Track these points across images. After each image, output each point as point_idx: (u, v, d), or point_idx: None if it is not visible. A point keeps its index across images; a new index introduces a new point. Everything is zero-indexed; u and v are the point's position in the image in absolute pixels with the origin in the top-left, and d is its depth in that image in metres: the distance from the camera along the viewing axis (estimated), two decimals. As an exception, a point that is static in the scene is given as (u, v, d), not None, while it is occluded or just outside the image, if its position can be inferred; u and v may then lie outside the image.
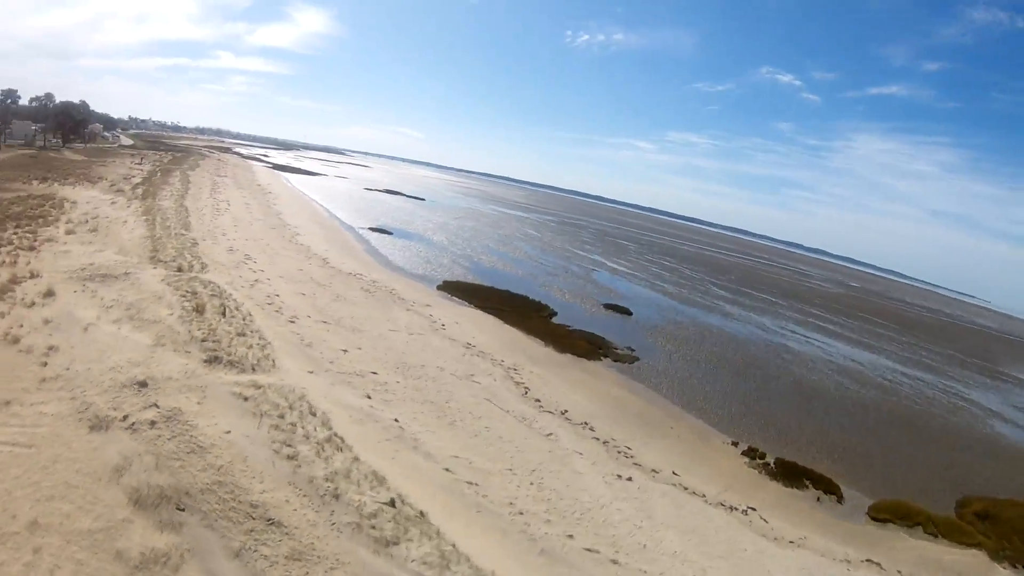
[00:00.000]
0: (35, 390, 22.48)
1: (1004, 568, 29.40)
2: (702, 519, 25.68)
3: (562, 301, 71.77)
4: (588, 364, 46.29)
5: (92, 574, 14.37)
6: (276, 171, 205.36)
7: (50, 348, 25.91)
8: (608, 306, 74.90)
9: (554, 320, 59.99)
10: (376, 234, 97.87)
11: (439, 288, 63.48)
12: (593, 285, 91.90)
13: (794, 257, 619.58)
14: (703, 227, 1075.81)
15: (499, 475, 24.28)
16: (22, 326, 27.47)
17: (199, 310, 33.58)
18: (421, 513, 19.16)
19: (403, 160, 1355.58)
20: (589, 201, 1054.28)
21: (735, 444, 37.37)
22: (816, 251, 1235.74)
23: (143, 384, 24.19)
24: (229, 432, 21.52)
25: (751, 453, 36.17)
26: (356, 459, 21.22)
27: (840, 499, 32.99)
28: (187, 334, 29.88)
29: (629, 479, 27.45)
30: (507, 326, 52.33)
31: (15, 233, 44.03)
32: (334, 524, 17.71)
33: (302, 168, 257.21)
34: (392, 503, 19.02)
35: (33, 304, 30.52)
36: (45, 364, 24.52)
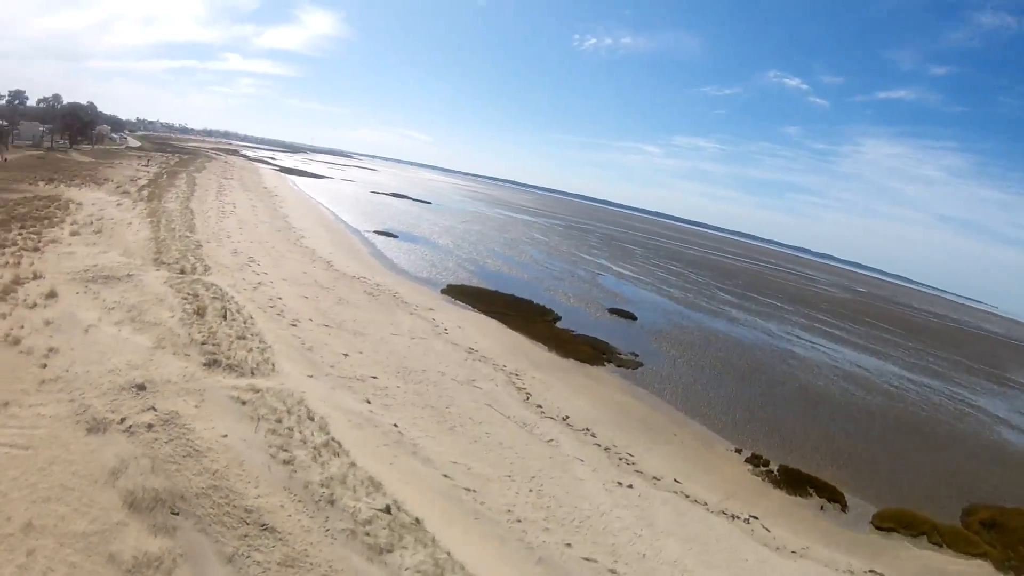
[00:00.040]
0: (34, 392, 22.48)
1: (1010, 579, 28.92)
2: (703, 528, 25.33)
3: (567, 305, 71.50)
4: (591, 369, 46.00)
5: (84, 578, 14.26)
6: (283, 174, 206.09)
7: (50, 350, 25.91)
8: (613, 311, 74.57)
9: (558, 325, 59.72)
10: (381, 237, 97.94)
11: (443, 292, 63.36)
12: (598, 289, 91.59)
13: (801, 262, 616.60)
14: (710, 231, 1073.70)
15: (498, 481, 24.02)
16: (23, 327, 27.50)
17: (200, 313, 33.54)
18: (417, 520, 18.93)
19: (410, 163, 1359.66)
20: (596, 205, 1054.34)
21: (739, 451, 36.99)
22: (823, 256, 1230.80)
23: (141, 387, 24.15)
24: (226, 436, 21.42)
25: (755, 460, 35.79)
26: (353, 464, 21.04)
27: (844, 507, 32.57)
28: (187, 337, 29.83)
29: (630, 486, 27.12)
30: (510, 331, 52.08)
31: (20, 234, 44.19)
32: (328, 530, 17.54)
33: (309, 171, 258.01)
34: (387, 509, 18.82)
35: (35, 305, 30.56)
36: (45, 366, 24.51)
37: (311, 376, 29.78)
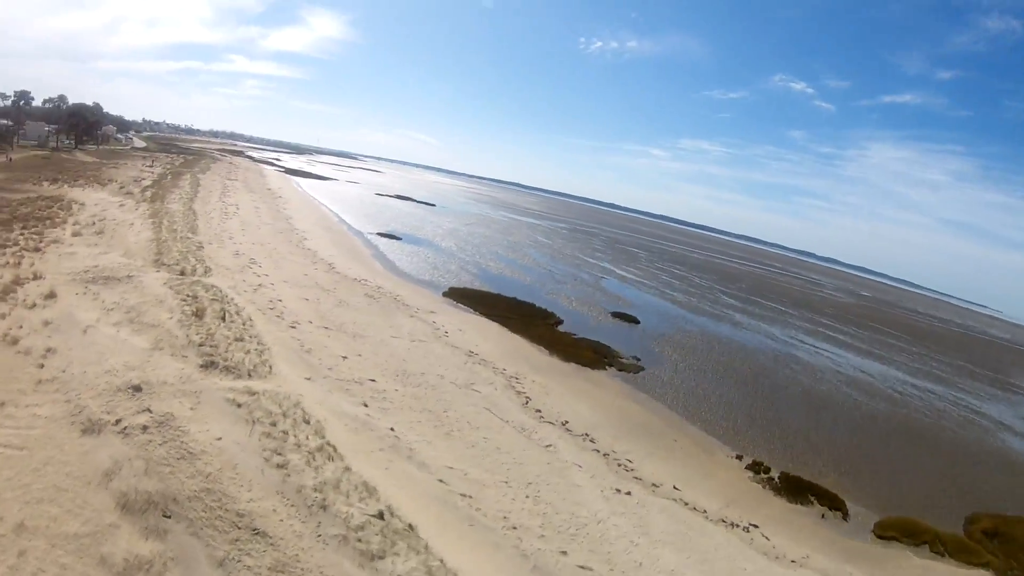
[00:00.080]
0: (31, 392, 22.51)
1: (1012, 590, 28.56)
2: (702, 536, 25.03)
3: (569, 309, 71.25)
4: (592, 373, 45.69)
5: (74, 579, 14.22)
6: (287, 175, 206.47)
7: (48, 350, 25.97)
8: (615, 314, 74.27)
9: (560, 328, 59.45)
10: (384, 239, 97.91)
11: (445, 295, 63.18)
12: (601, 293, 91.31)
13: (806, 266, 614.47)
14: (715, 235, 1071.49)
15: (494, 487, 23.79)
16: (22, 327, 27.59)
17: (199, 314, 33.48)
18: (410, 526, 18.75)
19: (415, 165, 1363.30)
20: (601, 208, 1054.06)
21: (739, 457, 36.65)
22: (828, 260, 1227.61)
23: (138, 388, 24.12)
24: (220, 439, 21.33)
25: (755, 467, 35.46)
26: (347, 469, 20.88)
27: (845, 515, 32.21)
28: (185, 338, 29.77)
29: (628, 493, 26.84)
30: (511, 334, 51.84)
31: (21, 234, 44.33)
32: (320, 536, 17.39)
33: (314, 172, 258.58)
34: (381, 515, 18.64)
35: (34, 306, 30.64)
36: (42, 366, 24.57)
37: (309, 379, 29.66)
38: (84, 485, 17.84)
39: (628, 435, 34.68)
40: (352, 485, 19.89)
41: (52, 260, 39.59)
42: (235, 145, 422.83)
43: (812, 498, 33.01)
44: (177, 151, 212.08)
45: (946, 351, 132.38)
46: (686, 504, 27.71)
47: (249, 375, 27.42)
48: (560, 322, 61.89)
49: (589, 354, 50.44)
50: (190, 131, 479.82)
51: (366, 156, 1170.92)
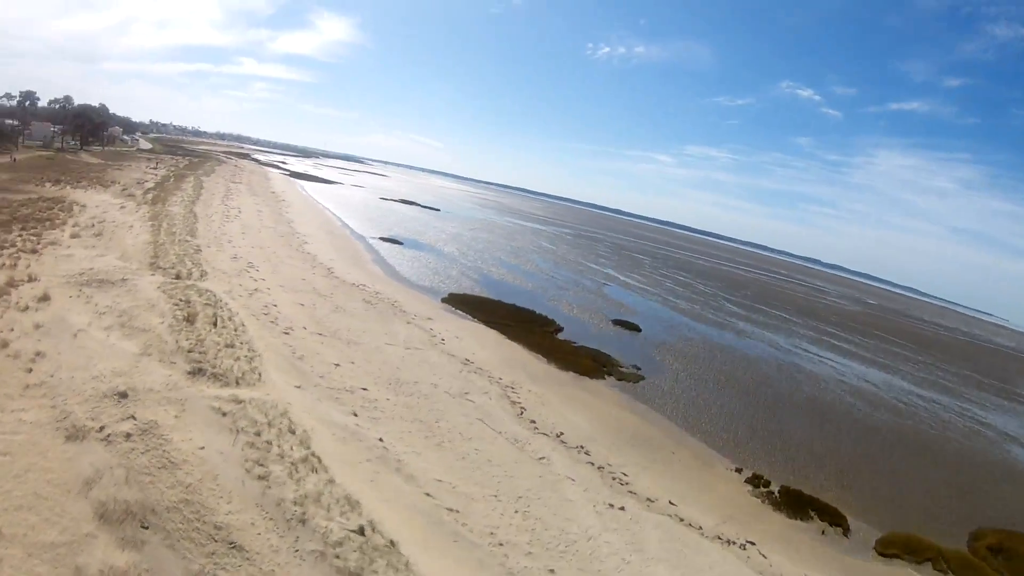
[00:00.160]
0: (17, 396, 22.27)
1: (1019, 612, 27.77)
2: (697, 554, 24.33)
3: (570, 316, 70.68)
4: (590, 383, 45.01)
5: (49, 589, 13.99)
6: (292, 179, 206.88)
7: (37, 354, 25.71)
8: (617, 322, 73.63)
9: (559, 336, 58.86)
10: (386, 244, 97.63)
11: (444, 301, 62.66)
12: (603, 300, 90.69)
13: (812, 273, 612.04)
14: (721, 242, 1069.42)
15: (483, 501, 23.17)
16: (12, 330, 27.37)
17: (190, 319, 33.09)
18: (392, 542, 18.18)
19: (421, 170, 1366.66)
20: (607, 214, 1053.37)
21: (739, 470, 35.94)
22: (834, 267, 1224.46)
23: (124, 395, 23.78)
24: (203, 448, 20.91)
25: (755, 480, 34.75)
26: (331, 481, 20.36)
27: (846, 531, 31.46)
28: (174, 344, 29.38)
29: (622, 508, 26.13)
30: (509, 341, 51.24)
31: (20, 235, 44.21)
32: (297, 551, 16.90)
33: (319, 176, 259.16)
34: (361, 530, 18.08)
35: (27, 308, 30.40)
36: (30, 370, 24.33)
37: (299, 387, 29.16)
38: (64, 493, 17.59)
39: (625, 447, 34.02)
40: (334, 498, 19.35)
41: (48, 262, 39.41)
42: (242, 148, 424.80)
43: (812, 513, 32.29)
44: (183, 153, 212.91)
45: (952, 360, 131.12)
46: (682, 520, 26.99)
47: (237, 383, 26.96)
48: (560, 329, 61.29)
49: (588, 362, 49.78)
50: (197, 133, 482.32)
51: (372, 160, 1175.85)
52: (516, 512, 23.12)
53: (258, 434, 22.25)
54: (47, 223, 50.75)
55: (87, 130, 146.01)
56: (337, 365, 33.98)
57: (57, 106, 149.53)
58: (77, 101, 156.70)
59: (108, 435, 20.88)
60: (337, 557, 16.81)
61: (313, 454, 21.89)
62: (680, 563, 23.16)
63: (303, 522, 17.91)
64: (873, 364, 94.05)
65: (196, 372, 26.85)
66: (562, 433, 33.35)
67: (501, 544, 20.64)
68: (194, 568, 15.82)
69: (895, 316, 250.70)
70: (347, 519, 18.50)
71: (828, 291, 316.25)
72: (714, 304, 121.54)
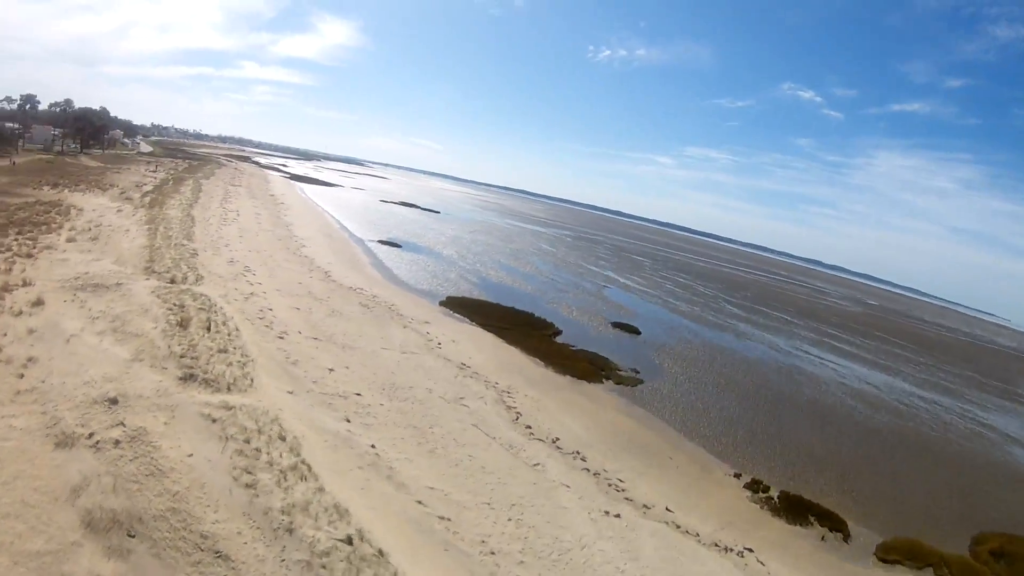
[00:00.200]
0: (8, 402, 22.14)
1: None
2: (693, 562, 23.96)
3: (568, 319, 70.36)
4: (587, 387, 44.65)
5: (35, 598, 13.87)
6: (292, 181, 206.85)
7: (29, 359, 25.57)
8: (616, 324, 73.31)
9: (558, 339, 58.54)
10: (385, 247, 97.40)
11: (441, 304, 62.37)
12: (603, 302, 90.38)
13: (812, 274, 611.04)
14: (721, 243, 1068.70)
15: (475, 509, 22.84)
16: (5, 335, 27.27)
17: (183, 324, 32.82)
18: (380, 552, 17.87)
19: (422, 172, 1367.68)
20: (607, 216, 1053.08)
21: (738, 476, 35.58)
22: (835, 268, 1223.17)
23: (114, 401, 23.56)
24: (191, 455, 20.66)
25: (754, 486, 34.38)
26: (320, 489, 20.05)
27: (847, 537, 31.12)
28: (166, 349, 29.12)
29: (617, 516, 25.77)
30: (507, 345, 50.90)
31: (15, 240, 44.00)
32: (283, 561, 16.62)
33: (319, 179, 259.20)
34: (349, 540, 17.78)
35: (20, 313, 30.23)
36: (22, 376, 24.19)
37: (291, 392, 28.87)
38: (51, 501, 17.44)
39: (621, 453, 33.67)
40: (323, 507, 19.05)
41: (44, 266, 39.22)
42: (243, 151, 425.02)
43: (812, 519, 31.95)
44: (183, 156, 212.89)
45: (953, 361, 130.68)
46: (678, 527, 26.63)
47: (228, 388, 26.67)
48: (558, 332, 60.98)
49: (586, 366, 49.43)
50: (198, 136, 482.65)
51: (373, 162, 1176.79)
52: (509, 520, 22.78)
53: (247, 441, 21.95)
54: (43, 227, 50.53)
55: (87, 133, 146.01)
56: (331, 370, 33.68)
57: (58, 109, 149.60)
58: (78, 104, 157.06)
59: (97, 442, 20.69)
60: (324, 567, 16.52)
61: (303, 461, 21.59)
62: (676, 571, 22.81)
63: (290, 531, 17.62)
64: (874, 366, 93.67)
65: (187, 378, 26.58)
66: (558, 439, 33.00)
67: (493, 553, 20.32)
68: (179, 577, 15.64)
69: (896, 317, 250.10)
70: (335, 528, 18.21)
71: (829, 292, 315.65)
72: (714, 306, 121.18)
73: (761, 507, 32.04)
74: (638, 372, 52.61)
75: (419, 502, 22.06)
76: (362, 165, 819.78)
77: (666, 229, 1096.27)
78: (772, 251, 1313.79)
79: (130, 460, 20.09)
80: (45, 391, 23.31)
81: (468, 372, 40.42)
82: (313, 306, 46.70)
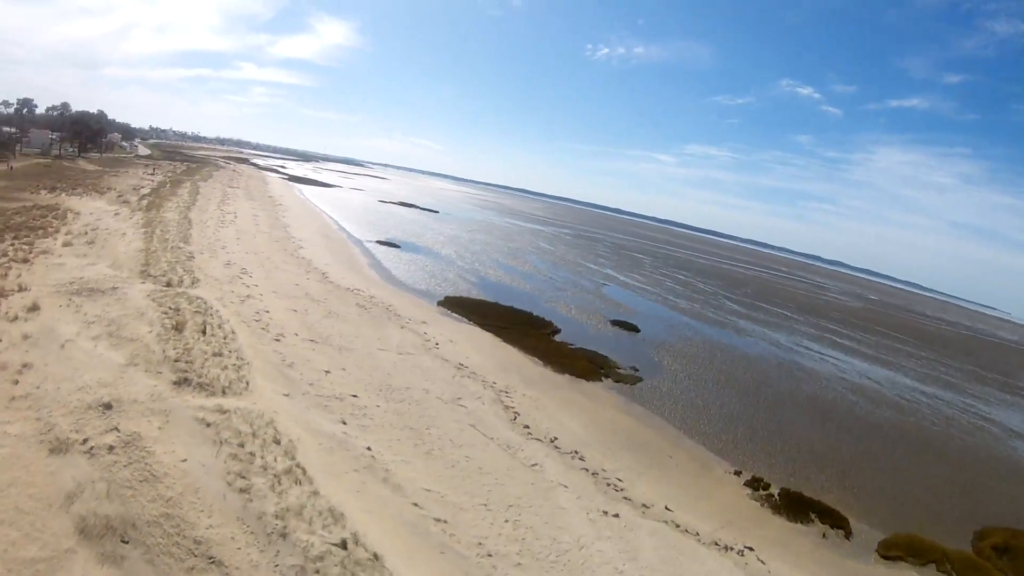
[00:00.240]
0: (3, 409, 22.11)
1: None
2: (693, 562, 23.75)
3: (567, 317, 70.15)
4: (586, 385, 44.44)
5: (29, 606, 13.80)
6: (291, 183, 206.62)
7: (24, 365, 25.52)
8: (615, 322, 73.10)
9: (556, 338, 58.35)
10: (383, 247, 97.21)
11: (439, 304, 62.17)
12: (602, 300, 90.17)
13: (812, 269, 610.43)
14: (721, 240, 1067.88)
15: (472, 511, 22.65)
16: (1, 341, 27.12)
17: (178, 328, 32.67)
18: (375, 556, 17.70)
19: (422, 172, 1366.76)
20: (607, 214, 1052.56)
21: (738, 473, 35.36)
22: (835, 263, 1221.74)
23: (108, 406, 23.45)
24: (185, 460, 20.53)
25: (755, 483, 34.16)
26: (315, 493, 19.89)
27: (848, 534, 30.91)
28: (161, 353, 28.98)
29: (616, 515, 25.56)
30: (505, 344, 50.69)
31: (12, 245, 43.89)
32: (277, 566, 16.48)
33: (318, 180, 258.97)
34: (343, 544, 17.62)
35: (15, 319, 30.13)
36: (17, 382, 24.12)
37: (287, 395, 28.70)
38: (46, 508, 17.39)
39: (620, 451, 33.45)
40: (317, 511, 18.88)
41: (39, 271, 39.10)
42: (241, 152, 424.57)
43: (813, 516, 31.75)
44: (181, 159, 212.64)
45: (954, 355, 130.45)
46: (678, 526, 26.41)
47: (223, 392, 26.52)
48: (557, 331, 60.79)
49: (584, 365, 49.22)
50: (197, 138, 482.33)
51: (373, 163, 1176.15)
52: (506, 521, 22.59)
53: (241, 445, 21.80)
54: (40, 231, 50.41)
55: (85, 137, 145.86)
56: (328, 372, 33.49)
57: (55, 113, 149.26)
58: (77, 108, 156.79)
59: (91, 448, 20.59)
60: (317, 572, 16.38)
61: (298, 465, 21.43)
62: (675, 571, 22.61)
63: (284, 536, 17.48)
64: (875, 361, 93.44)
65: (182, 382, 26.45)
66: (556, 438, 32.80)
67: (490, 555, 20.13)
68: (172, 584, 15.53)
69: (897, 312, 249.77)
70: (329, 532, 18.05)
71: (829, 287, 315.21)
72: (714, 303, 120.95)
73: (761, 505, 31.83)
74: (637, 370, 52.41)
75: (415, 504, 21.88)
76: (361, 166, 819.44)
77: (666, 226, 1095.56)
78: (772, 247, 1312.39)
79: (124, 466, 19.98)
80: (40, 397, 23.21)
81: (466, 372, 40.21)
82: (310, 308, 46.50)
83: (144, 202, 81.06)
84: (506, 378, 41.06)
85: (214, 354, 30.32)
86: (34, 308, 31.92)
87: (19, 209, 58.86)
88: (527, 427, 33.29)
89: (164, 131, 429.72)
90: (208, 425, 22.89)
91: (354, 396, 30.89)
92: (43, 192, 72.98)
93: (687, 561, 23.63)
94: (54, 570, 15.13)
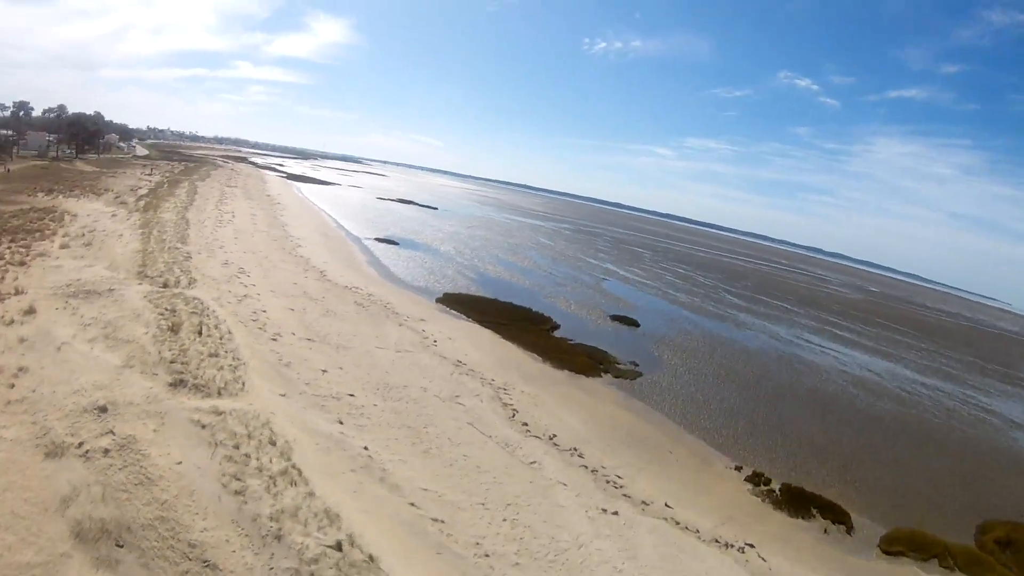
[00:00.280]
0: (-2, 413, 21.80)
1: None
2: (693, 559, 23.61)
3: (567, 313, 70.00)
4: (585, 381, 44.29)
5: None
6: (289, 181, 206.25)
7: (20, 369, 25.48)
8: (615, 317, 72.93)
9: (556, 334, 58.18)
10: (381, 245, 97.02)
11: (438, 301, 61.98)
12: (601, 295, 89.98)
13: (813, 262, 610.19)
14: (721, 233, 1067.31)
15: (470, 510, 22.52)
16: (-3, 344, 26.89)
17: (174, 329, 32.54)
18: (371, 557, 17.58)
19: (421, 168, 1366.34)
20: (607, 208, 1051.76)
21: (739, 468, 35.20)
22: (836, 255, 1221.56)
23: (103, 409, 23.38)
24: (180, 463, 20.44)
25: (755, 478, 34.01)
26: (310, 494, 19.77)
27: (850, 529, 30.75)
28: (157, 355, 28.87)
29: (615, 513, 25.40)
30: (504, 341, 50.51)
31: (8, 248, 43.80)
32: (272, 569, 16.39)
33: (317, 178, 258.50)
34: (339, 546, 17.50)
35: (12, 322, 30.09)
36: (12, 386, 24.09)
37: (283, 395, 28.57)
38: (41, 512, 17.36)
39: (620, 448, 33.30)
40: (312, 512, 18.77)
41: (36, 274, 39.02)
42: (239, 151, 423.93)
43: (815, 511, 31.57)
44: (179, 158, 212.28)
45: (955, 346, 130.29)
46: (678, 523, 26.24)
47: (219, 393, 26.40)
48: (556, 327, 60.61)
49: (584, 360, 49.04)
50: (194, 138, 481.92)
51: (371, 160, 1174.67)
52: (504, 520, 22.45)
53: (237, 447, 21.69)
54: (37, 234, 50.29)
55: (82, 138, 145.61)
56: (325, 371, 33.35)
57: (51, 115, 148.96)
58: (75, 109, 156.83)
59: (87, 451, 20.56)
60: (312, 575, 16.24)
61: (293, 466, 21.31)
62: (676, 569, 22.46)
63: (279, 538, 17.37)
64: (876, 353, 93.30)
65: (177, 384, 26.33)
66: (555, 435, 32.65)
67: (487, 555, 20.00)
68: (168, 588, 15.47)
69: (897, 303, 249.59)
70: (325, 534, 17.93)
71: (830, 280, 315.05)
72: (714, 296, 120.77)
73: (762, 500, 31.67)
74: (637, 365, 52.25)
75: (412, 504, 21.76)
76: (360, 163, 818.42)
77: (666, 220, 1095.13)
78: (772, 240, 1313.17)
79: (119, 469, 19.93)
80: (35, 401, 23.17)
81: (464, 369, 40.05)
82: (308, 306, 46.35)
83: (141, 203, 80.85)
84: (505, 375, 40.91)
85: (210, 355, 30.20)
86: (30, 311, 31.84)
87: (16, 212, 58.70)
88: (526, 424, 33.13)
89: (162, 131, 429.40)
90: (203, 427, 22.79)
91: (351, 395, 30.75)
92: (40, 194, 72.79)
93: (687, 559, 23.49)
94: (50, 575, 15.12)
